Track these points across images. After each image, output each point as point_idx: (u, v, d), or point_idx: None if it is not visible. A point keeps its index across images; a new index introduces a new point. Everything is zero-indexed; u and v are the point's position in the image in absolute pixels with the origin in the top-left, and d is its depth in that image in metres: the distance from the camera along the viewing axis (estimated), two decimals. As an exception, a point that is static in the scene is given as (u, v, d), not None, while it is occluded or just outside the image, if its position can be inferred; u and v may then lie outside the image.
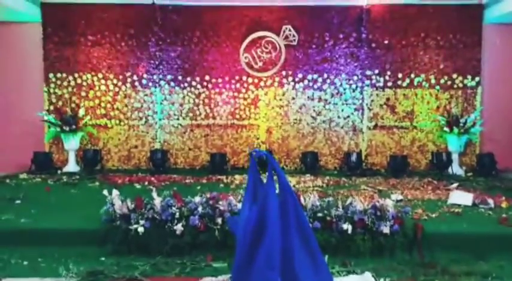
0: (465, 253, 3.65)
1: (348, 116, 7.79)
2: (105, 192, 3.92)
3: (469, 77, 7.67)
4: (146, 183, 6.23)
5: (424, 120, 7.73)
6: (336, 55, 7.75)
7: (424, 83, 7.70)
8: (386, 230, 3.64)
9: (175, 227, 3.65)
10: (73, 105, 7.76)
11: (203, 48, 7.78)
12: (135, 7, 7.76)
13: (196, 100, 7.84)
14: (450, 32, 7.64)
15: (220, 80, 7.80)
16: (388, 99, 7.77)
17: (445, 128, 7.38)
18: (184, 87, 7.81)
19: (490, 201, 4.76)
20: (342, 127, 7.81)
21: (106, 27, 7.74)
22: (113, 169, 7.70)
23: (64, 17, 7.72)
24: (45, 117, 7.55)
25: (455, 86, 7.69)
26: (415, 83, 7.71)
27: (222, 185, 6.16)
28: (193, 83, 7.80)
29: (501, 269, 3.43)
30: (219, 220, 3.72)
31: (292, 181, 6.38)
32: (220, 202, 3.87)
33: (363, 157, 7.63)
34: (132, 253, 3.64)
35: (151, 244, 3.63)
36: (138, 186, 6.06)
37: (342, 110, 7.79)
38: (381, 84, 7.74)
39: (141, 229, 3.65)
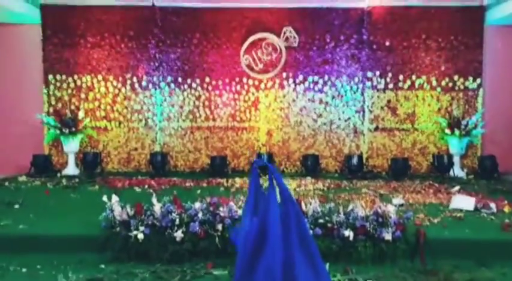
0: (468, 259, 3.62)
1: (349, 118, 7.76)
2: (105, 198, 3.88)
3: (471, 78, 7.64)
4: (146, 186, 6.20)
5: (425, 123, 7.70)
6: (336, 57, 7.72)
7: (425, 84, 7.67)
8: (388, 236, 3.60)
9: (175, 234, 3.62)
10: (73, 107, 7.72)
11: (203, 50, 7.75)
12: (134, 9, 7.73)
13: (197, 102, 7.80)
14: (451, 34, 7.61)
15: (220, 82, 7.77)
16: (389, 101, 7.73)
17: (447, 130, 7.35)
18: (184, 89, 7.78)
19: (492, 205, 4.73)
20: (343, 129, 7.78)
21: (106, 28, 7.71)
22: (112, 171, 7.67)
23: (64, 19, 7.69)
24: (45, 120, 7.52)
25: (456, 88, 7.66)
26: (416, 85, 7.68)
27: (222, 188, 6.13)
28: (194, 85, 7.77)
29: (504, 276, 3.40)
30: (220, 227, 3.68)
31: (292, 184, 6.35)
32: (221, 208, 3.83)
33: (364, 159, 7.60)
34: (131, 260, 3.61)
35: (151, 251, 3.60)
36: (138, 190, 6.04)
37: (343, 112, 7.75)
38: (382, 86, 7.71)
39: (140, 236, 3.61)
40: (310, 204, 3.92)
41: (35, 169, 7.24)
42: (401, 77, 7.67)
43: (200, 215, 3.75)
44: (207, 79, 7.75)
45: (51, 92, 7.74)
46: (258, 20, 7.72)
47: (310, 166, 7.44)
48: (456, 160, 7.36)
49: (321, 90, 7.74)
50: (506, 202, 4.93)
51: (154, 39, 7.71)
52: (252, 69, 7.76)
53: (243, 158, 7.79)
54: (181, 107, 7.81)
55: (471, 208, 4.73)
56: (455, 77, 7.63)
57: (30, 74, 7.74)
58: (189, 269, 3.47)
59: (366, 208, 3.97)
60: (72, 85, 7.75)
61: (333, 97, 7.75)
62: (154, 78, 7.76)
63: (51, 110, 7.71)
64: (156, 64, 7.76)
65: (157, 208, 3.79)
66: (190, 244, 3.61)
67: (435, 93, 7.67)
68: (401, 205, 4.93)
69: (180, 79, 7.76)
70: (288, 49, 7.72)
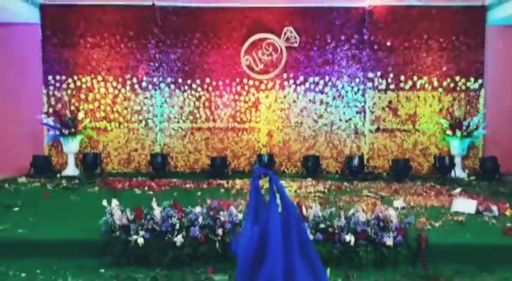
0: (469, 264, 3.60)
1: (350, 119, 7.73)
2: (105, 202, 3.86)
3: (472, 79, 7.60)
4: (146, 188, 6.17)
5: (426, 123, 7.66)
6: (337, 57, 7.68)
7: (426, 85, 7.63)
8: (389, 241, 3.58)
9: (175, 239, 3.60)
10: (72, 108, 7.70)
11: (203, 50, 7.71)
12: (134, 8, 7.69)
13: (197, 103, 7.77)
14: (453, 34, 7.56)
15: (220, 83, 7.73)
16: (390, 101, 7.70)
17: (448, 131, 7.31)
18: (185, 90, 7.75)
19: (494, 208, 4.70)
20: (344, 130, 7.74)
21: (105, 28, 7.67)
22: (112, 172, 7.64)
23: (63, 19, 7.66)
24: (44, 120, 7.49)
25: (458, 88, 7.62)
26: (418, 86, 7.64)
27: (222, 190, 6.11)
28: (194, 86, 7.73)
29: (506, 281, 3.39)
30: (220, 231, 3.66)
31: (293, 185, 6.33)
32: (221, 213, 3.81)
33: (365, 161, 7.57)
34: (131, 264, 3.59)
35: (151, 256, 3.58)
36: (138, 191, 6.01)
37: (344, 113, 7.72)
38: (383, 86, 7.67)
39: (140, 240, 3.59)
40: (311, 208, 3.90)
41: (35, 170, 7.22)
42: (402, 78, 7.63)
43: (200, 219, 3.73)
44: (208, 80, 7.71)
45: (50, 93, 7.71)
46: (259, 20, 7.68)
47: (311, 166, 7.41)
48: (457, 161, 7.32)
49: (321, 91, 7.70)
50: (508, 204, 4.89)
51: (154, 39, 7.67)
52: (252, 69, 7.73)
53: (243, 159, 7.77)
54: (181, 107, 7.78)
55: (473, 211, 4.71)
56: (457, 78, 7.59)
57: (30, 75, 7.71)
58: (189, 274, 3.45)
59: (367, 212, 3.94)
60: (72, 86, 7.72)
61: (334, 98, 7.71)
62: (154, 79, 7.73)
63: (50, 110, 7.68)
64: (156, 64, 7.72)
65: (157, 212, 3.76)
66: (190, 248, 3.59)
67: (437, 93, 7.64)
68: (403, 208, 4.90)
69: (180, 80, 7.72)
70: (289, 49, 7.67)
